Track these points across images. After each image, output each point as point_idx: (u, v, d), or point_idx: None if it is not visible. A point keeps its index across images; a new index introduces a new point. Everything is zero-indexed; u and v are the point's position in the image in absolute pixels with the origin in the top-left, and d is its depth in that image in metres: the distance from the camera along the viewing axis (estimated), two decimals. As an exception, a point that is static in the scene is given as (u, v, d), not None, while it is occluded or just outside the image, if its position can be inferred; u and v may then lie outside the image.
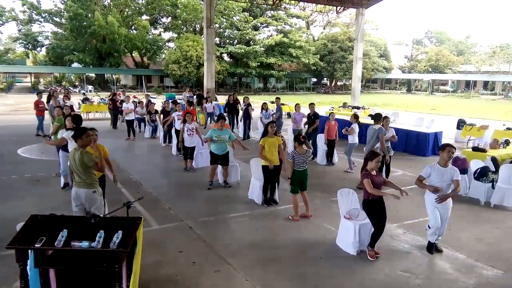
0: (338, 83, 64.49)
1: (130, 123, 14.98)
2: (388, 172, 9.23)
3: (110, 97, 18.40)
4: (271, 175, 7.59)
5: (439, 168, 5.63)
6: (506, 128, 14.35)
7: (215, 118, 13.85)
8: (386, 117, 9.42)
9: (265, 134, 7.72)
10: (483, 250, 6.02)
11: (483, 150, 10.18)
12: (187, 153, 10.27)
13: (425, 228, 5.98)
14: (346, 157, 10.75)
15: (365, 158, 5.73)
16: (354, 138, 10.58)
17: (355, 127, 10.63)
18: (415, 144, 13.11)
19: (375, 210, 5.54)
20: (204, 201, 8.09)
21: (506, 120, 20.51)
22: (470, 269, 5.39)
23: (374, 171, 5.53)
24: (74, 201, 5.24)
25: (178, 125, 11.64)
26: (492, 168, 8.67)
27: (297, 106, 13.01)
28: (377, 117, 9.11)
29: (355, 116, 10.94)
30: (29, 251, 3.81)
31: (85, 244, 3.68)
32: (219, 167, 9.12)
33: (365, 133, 9.81)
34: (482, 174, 8.41)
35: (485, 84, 59.72)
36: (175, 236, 6.26)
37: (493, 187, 8.18)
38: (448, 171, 5.60)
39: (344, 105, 22.30)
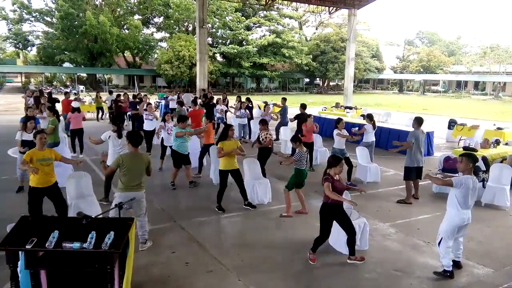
0: (331, 83, 64.74)
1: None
2: None
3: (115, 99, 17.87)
4: (224, 180, 7.44)
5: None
6: (497, 128, 14.50)
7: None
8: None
9: (224, 137, 7.52)
10: (474, 249, 6.07)
11: (474, 150, 10.27)
12: (164, 152, 10.34)
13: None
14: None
15: (329, 163, 5.46)
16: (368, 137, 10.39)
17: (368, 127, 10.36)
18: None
19: (332, 215, 5.40)
20: (197, 201, 8.07)
21: (497, 120, 20.73)
22: (462, 268, 5.43)
23: (337, 176, 5.41)
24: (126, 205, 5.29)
25: (147, 125, 11.77)
26: (483, 167, 8.76)
27: (266, 106, 12.91)
28: (421, 121, 8.42)
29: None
30: (20, 252, 3.77)
31: (76, 245, 3.65)
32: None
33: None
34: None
35: (476, 84, 60.28)
36: (167, 237, 6.24)
37: (483, 186, 8.26)
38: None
39: (337, 105, 22.38)
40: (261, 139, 8.92)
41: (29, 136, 8.00)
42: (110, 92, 21.30)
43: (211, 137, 9.88)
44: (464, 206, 5.03)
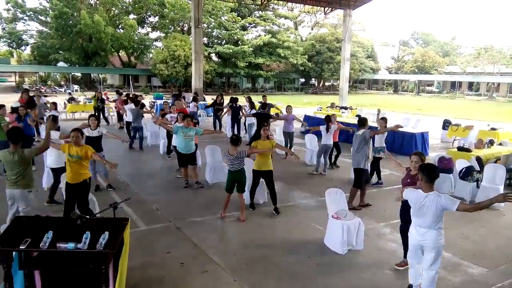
0: (326, 84, 64.83)
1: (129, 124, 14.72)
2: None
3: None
4: (258, 180, 7.45)
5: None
6: (491, 128, 14.58)
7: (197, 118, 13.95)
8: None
9: (257, 137, 7.61)
10: (468, 248, 6.11)
11: (468, 150, 10.33)
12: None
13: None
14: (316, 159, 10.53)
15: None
16: (328, 139, 10.22)
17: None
18: (401, 144, 13.23)
19: None
20: (192, 202, 8.05)
21: (491, 121, 20.85)
22: (456, 267, 5.47)
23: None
24: (9, 201, 5.57)
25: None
26: (477, 167, 8.81)
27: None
28: (360, 122, 8.29)
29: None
30: (14, 253, 3.74)
31: (71, 245, 3.63)
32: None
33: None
34: (467, 174, 8.54)
35: (470, 85, 60.63)
36: (163, 237, 6.23)
37: (478, 186, 8.31)
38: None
39: (332, 106, 22.40)
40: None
41: (92, 133, 8.13)
42: (118, 92, 20.90)
43: None
44: (412, 221, 4.50)
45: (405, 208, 5.01)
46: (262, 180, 8.08)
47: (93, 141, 7.80)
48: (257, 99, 17.35)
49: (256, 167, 7.38)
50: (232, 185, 7.02)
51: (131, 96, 17.51)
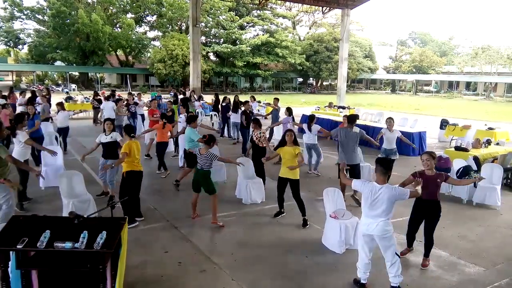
0: (324, 83, 64.88)
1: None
2: None
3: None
4: (281, 187, 6.95)
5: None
6: (488, 128, 14.64)
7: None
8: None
9: (283, 143, 6.91)
10: (465, 247, 6.13)
11: (466, 150, 10.35)
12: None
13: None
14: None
15: None
16: (309, 139, 10.21)
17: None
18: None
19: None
20: (190, 201, 8.02)
21: (488, 120, 20.92)
22: (453, 267, 5.49)
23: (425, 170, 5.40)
24: None
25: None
26: (474, 167, 8.84)
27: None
28: (350, 119, 8.23)
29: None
30: (11, 252, 3.73)
31: (68, 245, 3.62)
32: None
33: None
34: (464, 173, 8.56)
35: (468, 85, 60.76)
36: (160, 236, 6.22)
37: (475, 186, 8.32)
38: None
39: (330, 105, 22.43)
40: (255, 138, 8.89)
41: (106, 138, 7.48)
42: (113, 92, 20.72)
43: (164, 135, 9.97)
44: (364, 212, 4.67)
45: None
46: (260, 180, 8.12)
47: (108, 147, 7.44)
48: (258, 98, 17.20)
49: (280, 174, 6.90)
50: (196, 184, 6.79)
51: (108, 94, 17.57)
